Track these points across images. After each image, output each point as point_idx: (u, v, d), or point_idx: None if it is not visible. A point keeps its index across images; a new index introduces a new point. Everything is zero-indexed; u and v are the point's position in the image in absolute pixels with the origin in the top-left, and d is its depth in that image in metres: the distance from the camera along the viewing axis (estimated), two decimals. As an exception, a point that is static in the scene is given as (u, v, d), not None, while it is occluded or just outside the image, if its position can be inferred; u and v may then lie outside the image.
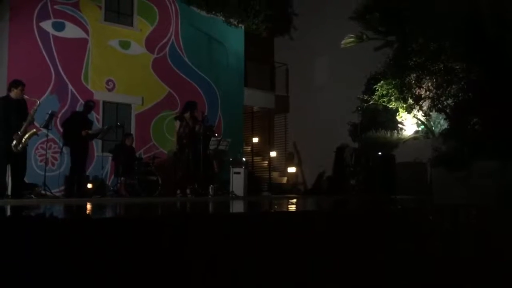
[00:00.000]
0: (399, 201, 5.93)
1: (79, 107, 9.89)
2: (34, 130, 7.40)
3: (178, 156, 8.96)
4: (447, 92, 9.54)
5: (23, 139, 7.05)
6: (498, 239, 2.90)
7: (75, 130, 8.52)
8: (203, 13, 12.61)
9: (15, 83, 7.18)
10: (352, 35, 11.30)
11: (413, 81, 9.89)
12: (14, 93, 7.11)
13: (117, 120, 10.49)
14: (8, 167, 7.12)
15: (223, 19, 12.86)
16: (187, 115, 9.06)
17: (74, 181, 8.52)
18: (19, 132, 6.99)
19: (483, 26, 8.69)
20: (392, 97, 10.12)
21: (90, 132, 8.67)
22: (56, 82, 10.25)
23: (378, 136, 10.77)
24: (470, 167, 8.56)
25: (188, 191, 8.84)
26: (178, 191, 8.82)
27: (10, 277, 1.68)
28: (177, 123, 9.01)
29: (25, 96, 7.26)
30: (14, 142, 6.94)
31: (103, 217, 2.70)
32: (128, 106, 11.29)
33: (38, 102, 7.41)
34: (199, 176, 8.99)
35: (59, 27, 10.44)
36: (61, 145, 9.29)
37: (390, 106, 10.33)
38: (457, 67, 9.42)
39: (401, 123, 10.77)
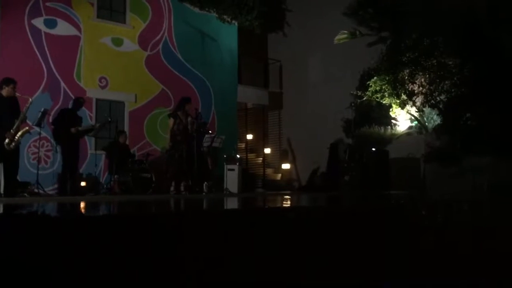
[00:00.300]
0: (392, 197, 5.94)
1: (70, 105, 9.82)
2: (27, 128, 7.34)
3: (171, 153, 8.92)
4: (440, 87, 9.60)
5: (16, 137, 7.00)
6: (491, 233, 2.92)
7: (65, 128, 8.36)
8: (196, 10, 12.57)
9: (6, 81, 7.12)
10: (345, 31, 11.32)
11: (406, 77, 9.93)
12: (5, 91, 7.05)
13: (110, 116, 10.36)
14: (1, 166, 7.07)
15: (217, 15, 12.83)
16: (180, 112, 9.02)
17: (67, 179, 8.44)
18: (11, 131, 6.94)
19: (477, 22, 8.74)
20: (385, 93, 10.16)
21: (80, 129, 8.49)
22: (48, 79, 10.20)
23: (371, 132, 10.81)
24: (463, 163, 8.62)
25: (182, 187, 8.81)
26: (172, 188, 8.78)
27: (4, 276, 1.67)
28: (171, 121, 8.97)
29: (17, 94, 7.21)
30: (7, 140, 6.89)
31: (99, 215, 2.69)
32: (121, 103, 11.25)
33: (30, 100, 7.36)
34: (193, 173, 8.96)
35: (51, 24, 10.37)
36: (53, 143, 9.20)
37: (384, 102, 10.37)
38: (450, 62, 9.48)
39: (394, 118, 10.82)
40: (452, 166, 8.67)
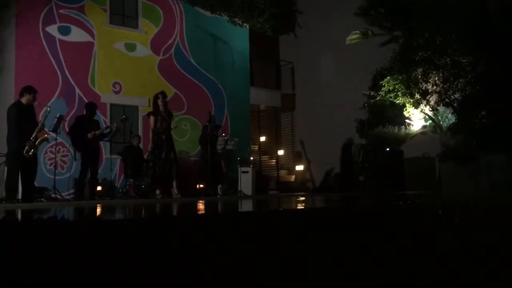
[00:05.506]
0: (408, 197, 5.91)
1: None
2: (46, 136, 7.44)
3: (156, 153, 8.40)
4: (454, 86, 9.51)
5: (35, 145, 7.10)
6: (508, 234, 2.89)
7: (81, 134, 8.36)
8: (208, 13, 12.63)
9: (28, 90, 7.17)
10: (357, 32, 11.26)
11: (420, 76, 9.85)
12: (25, 99, 7.12)
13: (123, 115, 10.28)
14: (19, 173, 7.16)
15: (228, 19, 12.87)
16: (161, 108, 8.48)
17: (84, 184, 8.47)
18: (31, 139, 7.03)
19: (490, 18, 8.65)
20: (399, 93, 10.09)
21: (96, 133, 8.39)
22: (63, 86, 10.32)
23: (385, 132, 10.75)
24: (479, 161, 8.54)
25: (158, 191, 8.26)
26: (158, 192, 8.28)
27: (21, 281, 1.70)
28: (152, 119, 8.48)
29: (36, 103, 7.29)
30: (26, 148, 6.98)
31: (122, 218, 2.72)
32: (135, 108, 11.34)
33: (48, 108, 7.46)
34: (208, 175, 8.95)
35: (65, 31, 10.50)
36: (71, 150, 9.19)
37: (397, 102, 10.30)
38: (464, 60, 9.38)
39: (408, 118, 10.74)
40: (468, 165, 8.60)
